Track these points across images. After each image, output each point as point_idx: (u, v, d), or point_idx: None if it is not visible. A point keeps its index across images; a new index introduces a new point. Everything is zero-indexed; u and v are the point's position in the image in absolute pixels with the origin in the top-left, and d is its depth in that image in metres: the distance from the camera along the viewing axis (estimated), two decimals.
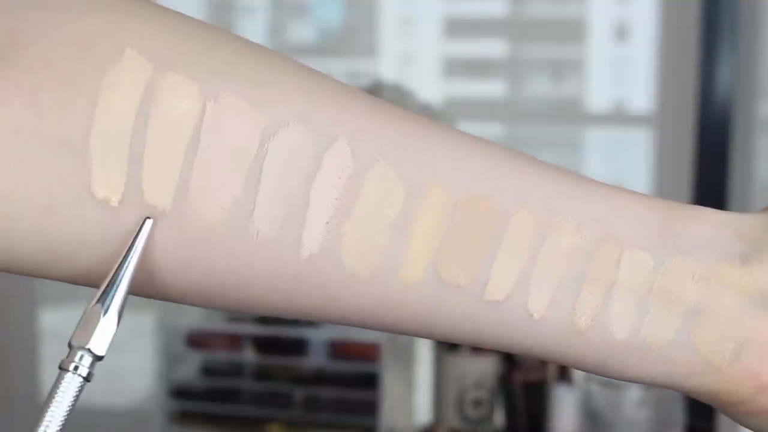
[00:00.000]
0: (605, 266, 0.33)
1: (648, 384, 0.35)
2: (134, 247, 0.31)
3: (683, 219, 0.34)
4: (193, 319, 1.67)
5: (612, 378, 0.35)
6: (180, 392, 1.65)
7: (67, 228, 0.31)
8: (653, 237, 0.33)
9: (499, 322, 0.33)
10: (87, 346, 0.30)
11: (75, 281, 0.32)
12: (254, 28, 2.01)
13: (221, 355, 1.64)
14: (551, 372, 1.42)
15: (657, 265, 0.33)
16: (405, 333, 0.34)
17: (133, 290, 0.31)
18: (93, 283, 0.32)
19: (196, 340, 1.65)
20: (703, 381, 0.34)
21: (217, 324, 1.66)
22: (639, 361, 0.34)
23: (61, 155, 0.30)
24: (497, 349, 0.35)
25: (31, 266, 0.32)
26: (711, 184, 1.62)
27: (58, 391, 0.30)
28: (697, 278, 0.33)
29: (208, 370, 1.65)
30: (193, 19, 0.33)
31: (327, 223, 0.31)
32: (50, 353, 1.97)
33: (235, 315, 1.65)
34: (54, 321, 2.04)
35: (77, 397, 0.30)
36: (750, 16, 1.64)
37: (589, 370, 0.35)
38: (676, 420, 1.42)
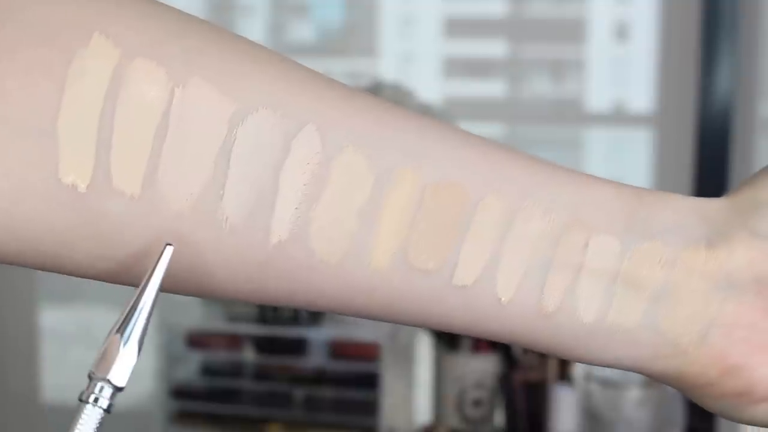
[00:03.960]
0: (573, 251, 0.33)
1: (614, 367, 0.35)
2: (154, 275, 0.30)
3: (650, 204, 0.34)
4: (193, 319, 1.67)
5: (579, 361, 0.36)
6: (180, 392, 1.65)
7: (35, 213, 0.30)
8: (620, 222, 0.34)
9: (468, 307, 0.33)
10: (107, 377, 0.30)
11: (43, 267, 0.32)
12: (254, 28, 2.01)
13: (221, 355, 1.64)
14: (551, 372, 1.42)
15: (624, 249, 0.34)
16: (374, 317, 0.34)
17: (105, 279, 0.31)
18: (60, 269, 0.32)
19: (196, 340, 1.65)
20: (670, 364, 0.35)
21: (217, 324, 1.66)
22: (606, 344, 0.34)
23: (28, 141, 0.30)
24: (465, 333, 0.35)
25: (1, 253, 0.32)
26: (711, 184, 1.62)
27: (78, 423, 0.29)
28: (663, 262, 0.34)
29: (208, 370, 1.65)
30: (164, 5, 0.33)
31: (296, 209, 0.32)
32: (49, 352, 1.97)
33: (235, 315, 1.65)
34: (53, 320, 2.04)
35: (98, 429, 0.30)
36: (750, 16, 1.64)
37: (556, 354, 0.35)
38: (676, 420, 1.42)
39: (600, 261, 0.34)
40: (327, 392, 1.60)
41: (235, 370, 1.63)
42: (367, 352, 1.57)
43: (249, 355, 1.63)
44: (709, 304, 0.34)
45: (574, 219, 0.34)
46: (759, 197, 0.34)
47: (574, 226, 0.33)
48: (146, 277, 0.30)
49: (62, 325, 2.04)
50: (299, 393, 1.61)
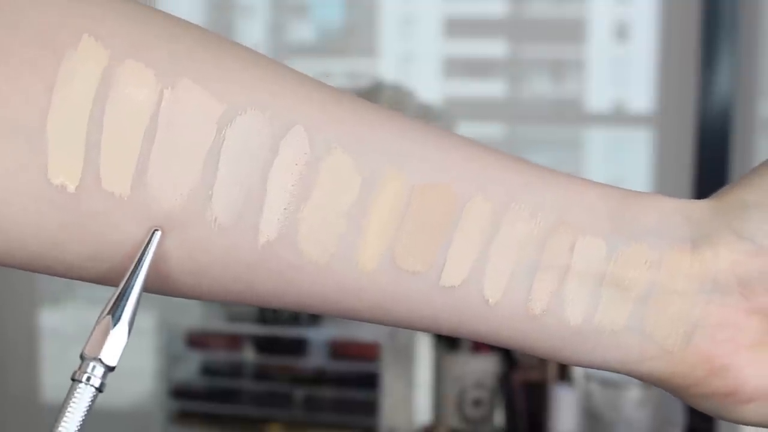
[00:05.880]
0: (559, 253, 0.34)
1: (602, 368, 0.35)
2: (144, 258, 0.31)
3: (634, 206, 0.34)
4: (193, 319, 1.67)
5: (566, 363, 0.36)
6: (180, 392, 1.65)
7: (24, 214, 0.31)
8: (606, 224, 0.34)
9: (455, 308, 0.34)
10: (99, 357, 0.30)
11: (33, 269, 0.33)
12: (254, 28, 2.01)
13: (221, 355, 1.64)
14: (551, 372, 1.42)
15: (610, 251, 0.34)
16: (362, 319, 0.34)
17: (94, 280, 0.32)
18: (50, 270, 0.32)
19: (196, 340, 1.65)
20: (656, 365, 0.35)
21: (217, 324, 1.66)
22: (593, 346, 0.34)
23: (17, 142, 0.30)
24: (453, 335, 0.35)
25: None
26: (711, 184, 1.62)
27: (71, 402, 0.30)
28: (649, 264, 0.34)
29: (208, 370, 1.65)
30: (152, 8, 0.33)
31: (284, 209, 0.32)
32: (49, 352, 1.98)
33: (235, 315, 1.65)
34: (53, 320, 2.04)
35: (90, 407, 0.30)
36: (750, 16, 1.64)
37: (543, 355, 0.35)
38: (676, 420, 1.42)
39: (586, 263, 0.34)
40: (327, 392, 1.60)
41: (235, 370, 1.63)
42: (367, 352, 1.57)
43: (249, 355, 1.63)
44: (693, 306, 0.34)
45: (560, 221, 0.34)
46: (746, 199, 0.34)
47: (560, 228, 0.34)
48: (135, 259, 0.31)
49: (62, 325, 2.04)
50: (299, 393, 1.61)
